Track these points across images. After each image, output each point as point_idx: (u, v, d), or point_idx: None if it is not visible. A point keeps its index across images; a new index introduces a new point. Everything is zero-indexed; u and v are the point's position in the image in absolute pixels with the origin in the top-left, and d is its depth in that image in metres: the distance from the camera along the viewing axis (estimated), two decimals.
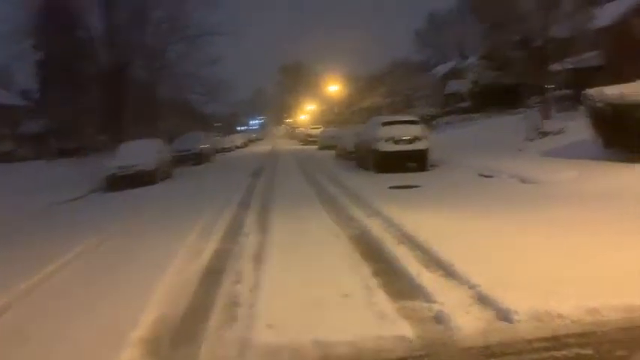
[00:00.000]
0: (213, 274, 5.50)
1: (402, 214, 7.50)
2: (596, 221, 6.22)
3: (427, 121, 26.95)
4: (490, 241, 5.60)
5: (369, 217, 7.86)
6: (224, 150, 37.66)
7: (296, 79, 74.21)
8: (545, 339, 3.43)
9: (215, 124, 54.06)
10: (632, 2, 26.80)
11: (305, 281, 4.88)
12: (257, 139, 63.88)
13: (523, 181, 10.26)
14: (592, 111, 10.78)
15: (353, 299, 4.34)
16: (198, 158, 25.29)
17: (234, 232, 7.63)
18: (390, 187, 11.04)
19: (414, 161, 14.45)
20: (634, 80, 10.46)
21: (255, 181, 15.16)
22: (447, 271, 4.81)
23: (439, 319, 3.84)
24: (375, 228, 7.01)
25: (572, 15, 18.28)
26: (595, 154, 10.65)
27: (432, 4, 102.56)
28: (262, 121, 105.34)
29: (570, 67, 21.77)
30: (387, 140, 14.45)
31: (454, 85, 40.67)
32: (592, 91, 10.93)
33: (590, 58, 23.99)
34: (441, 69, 48.56)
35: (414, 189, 10.75)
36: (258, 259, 5.88)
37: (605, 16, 24.80)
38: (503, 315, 3.75)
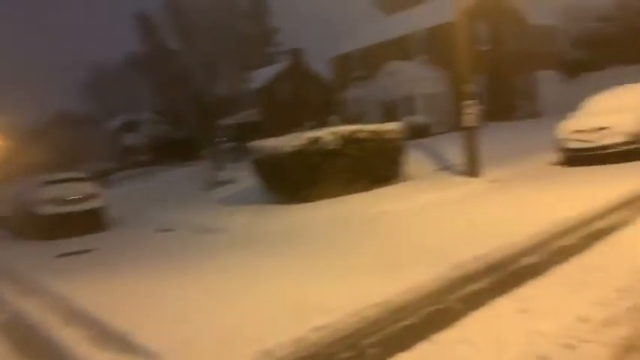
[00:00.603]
0: None
1: (70, 286, 6.48)
2: (261, 265, 6.66)
3: (102, 176, 25.32)
4: (170, 303, 5.31)
5: (26, 296, 6.49)
6: None
7: None
8: None
9: None
10: (277, 70, 32.08)
11: None
12: None
13: (203, 231, 10.47)
14: (256, 161, 12.04)
15: None
16: None
17: None
18: (58, 256, 9.57)
19: (86, 222, 13.05)
20: (283, 134, 12.19)
21: None
22: (124, 345, 4.26)
23: None
24: (35, 310, 5.80)
25: (230, 77, 20.43)
26: (261, 199, 11.86)
27: (100, 56, 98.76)
28: None
29: (236, 122, 24.21)
30: (51, 201, 12.67)
31: (130, 139, 39.71)
32: (254, 144, 12.25)
33: (252, 114, 27.29)
34: (115, 122, 46.83)
35: (87, 254, 9.61)
36: None
37: (258, 79, 28.83)
38: None
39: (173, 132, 26.75)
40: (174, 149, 27.93)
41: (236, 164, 19.48)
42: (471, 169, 11.33)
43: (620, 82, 13.30)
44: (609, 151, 10.67)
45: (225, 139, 24.42)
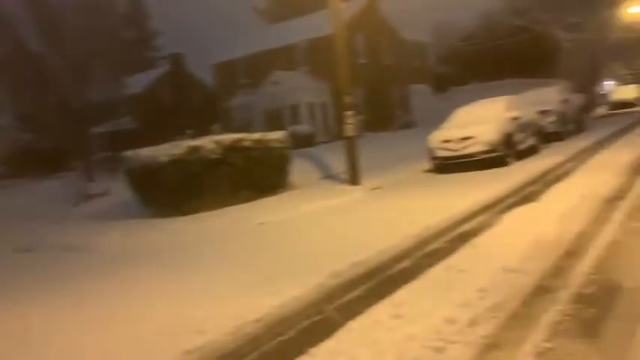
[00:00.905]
0: None
1: None
2: (132, 286, 6.15)
3: None
4: (30, 338, 4.66)
5: None
6: None
7: None
8: None
9: None
10: (159, 74, 30.62)
11: None
12: None
13: (69, 250, 9.47)
14: (130, 172, 11.24)
15: None
16: None
17: None
18: None
19: None
20: (163, 142, 11.55)
21: None
22: None
23: None
24: None
25: (104, 81, 19.00)
26: (137, 213, 11.09)
27: None
28: None
29: (110, 130, 22.56)
30: None
31: None
32: (129, 154, 11.43)
33: (127, 121, 25.66)
34: None
35: None
36: None
37: (136, 85, 27.26)
38: None
39: (37, 141, 24.15)
40: (39, 160, 25.21)
41: (110, 175, 18.12)
42: (352, 177, 11.68)
43: (482, 96, 14.75)
44: (473, 158, 11.69)
45: (98, 148, 22.67)
